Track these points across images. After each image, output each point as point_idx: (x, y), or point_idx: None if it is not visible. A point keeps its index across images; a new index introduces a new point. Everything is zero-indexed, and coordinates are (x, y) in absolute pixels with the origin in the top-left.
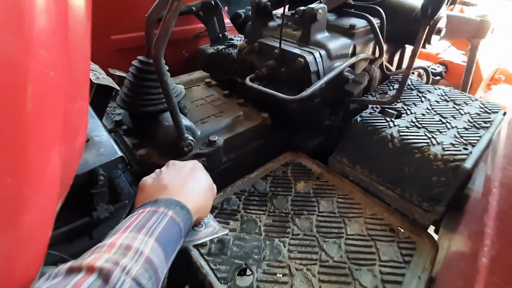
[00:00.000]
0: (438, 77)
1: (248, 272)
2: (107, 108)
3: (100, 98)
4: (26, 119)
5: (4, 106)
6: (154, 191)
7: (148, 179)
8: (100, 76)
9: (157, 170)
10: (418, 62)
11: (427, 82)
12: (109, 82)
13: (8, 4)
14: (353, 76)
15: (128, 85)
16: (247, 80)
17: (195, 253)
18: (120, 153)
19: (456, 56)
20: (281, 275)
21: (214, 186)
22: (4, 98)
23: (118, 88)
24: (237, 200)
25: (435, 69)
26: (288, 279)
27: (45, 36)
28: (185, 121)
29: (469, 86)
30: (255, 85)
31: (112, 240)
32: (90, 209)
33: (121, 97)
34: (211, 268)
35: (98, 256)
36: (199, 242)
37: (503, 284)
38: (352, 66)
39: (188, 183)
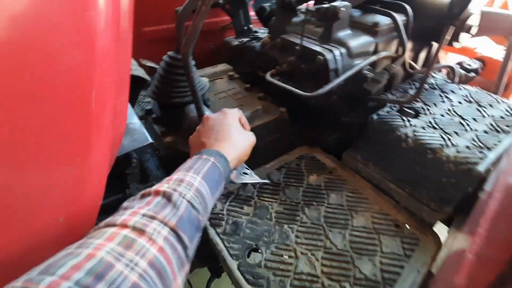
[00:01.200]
0: (473, 74)
1: (258, 253)
2: (138, 97)
3: (133, 87)
4: (91, 114)
5: (77, 106)
6: (197, 147)
7: (192, 138)
8: (133, 67)
9: (198, 128)
10: (452, 58)
11: (454, 81)
12: (141, 73)
13: (78, 25)
14: (372, 75)
15: (158, 78)
16: (267, 76)
17: (211, 231)
18: (150, 140)
19: (496, 51)
20: (287, 257)
21: (250, 134)
22: (77, 100)
23: (149, 79)
24: (252, 188)
25: (470, 65)
26: (293, 261)
27: (106, 50)
28: (208, 113)
29: (503, 86)
30: (275, 81)
31: (170, 177)
32: (124, 187)
33: (152, 89)
34: (225, 246)
35: (161, 185)
36: (244, 182)
37: (482, 279)
38: (373, 64)
39: (223, 135)
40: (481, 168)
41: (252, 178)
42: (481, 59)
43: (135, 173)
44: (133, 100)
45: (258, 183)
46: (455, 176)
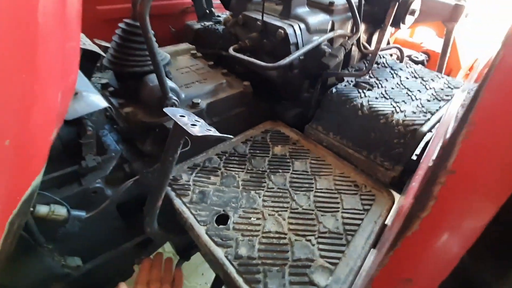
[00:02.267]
0: (420, 65)
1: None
2: (93, 77)
3: (86, 63)
4: (37, 26)
5: (20, 19)
6: None
7: None
8: (86, 43)
9: None
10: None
11: (402, 61)
12: (95, 48)
13: None
14: (330, 50)
15: (114, 46)
16: (231, 50)
17: (177, 201)
18: (106, 104)
19: (439, 45)
20: (255, 219)
21: None
22: (19, 10)
23: (103, 54)
24: (219, 160)
25: (418, 58)
26: (261, 222)
27: None
28: (170, 83)
29: (443, 68)
30: (238, 54)
31: None
32: (80, 158)
33: (108, 58)
34: (192, 213)
35: None
36: (208, 135)
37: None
38: (330, 42)
39: None
40: (425, 128)
41: (215, 132)
42: (426, 53)
43: (91, 144)
44: (88, 76)
45: (222, 136)
46: (404, 137)
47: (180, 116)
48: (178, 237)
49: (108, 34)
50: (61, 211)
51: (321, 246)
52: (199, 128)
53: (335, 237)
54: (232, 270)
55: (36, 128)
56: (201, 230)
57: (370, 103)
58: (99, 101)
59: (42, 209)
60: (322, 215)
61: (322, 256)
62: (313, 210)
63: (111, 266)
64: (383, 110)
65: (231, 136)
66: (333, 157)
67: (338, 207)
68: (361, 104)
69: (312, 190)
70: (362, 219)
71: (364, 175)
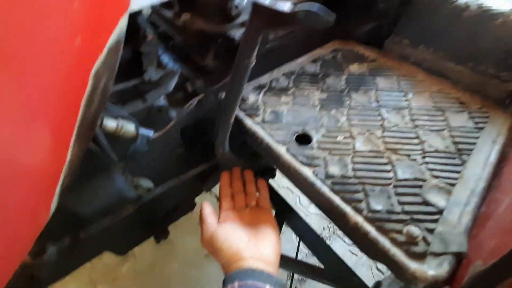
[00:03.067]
0: None
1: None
2: None
3: None
4: None
5: None
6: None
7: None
8: None
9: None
10: None
11: None
12: None
13: None
14: None
15: None
16: None
17: (248, 121)
18: None
19: None
20: (342, 138)
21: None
22: None
23: None
24: (286, 80)
25: None
26: (349, 141)
27: None
28: None
29: None
30: None
31: None
32: (141, 72)
33: None
34: (267, 133)
35: None
36: None
37: None
38: None
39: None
40: None
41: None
42: None
43: (152, 53)
44: None
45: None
46: None
47: None
48: (250, 162)
49: None
50: (129, 127)
51: (430, 166)
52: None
53: (446, 156)
54: (325, 190)
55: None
56: (280, 149)
57: (479, 1)
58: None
59: (110, 123)
60: (424, 134)
61: (434, 176)
62: (412, 128)
63: (175, 195)
64: (498, 9)
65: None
66: (424, 74)
67: (444, 126)
68: (466, 3)
69: (407, 108)
70: (477, 138)
71: (468, 92)
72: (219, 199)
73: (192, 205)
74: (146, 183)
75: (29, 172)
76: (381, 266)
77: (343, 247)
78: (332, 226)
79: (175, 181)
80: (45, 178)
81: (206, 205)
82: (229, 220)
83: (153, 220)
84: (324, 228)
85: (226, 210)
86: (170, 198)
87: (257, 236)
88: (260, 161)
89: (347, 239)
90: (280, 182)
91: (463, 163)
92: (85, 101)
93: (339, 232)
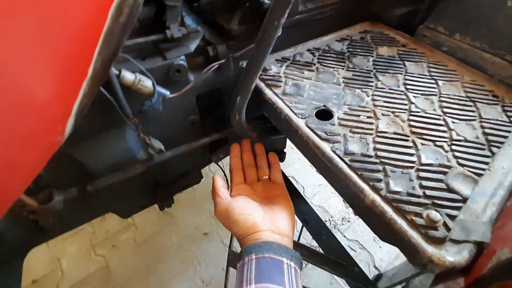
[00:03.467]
0: None
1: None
2: None
3: None
4: None
5: None
6: None
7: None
8: None
9: None
10: None
11: None
12: None
13: None
14: None
15: None
16: None
17: (268, 92)
18: None
19: None
20: (365, 117)
21: None
22: None
23: None
24: (311, 55)
25: None
26: (373, 121)
27: None
28: None
29: None
30: None
31: None
32: (164, 28)
33: None
34: (286, 105)
35: None
36: None
37: None
38: None
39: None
40: None
41: None
42: None
43: (177, 9)
44: None
45: None
46: None
47: None
48: (263, 138)
49: None
50: (147, 82)
51: (457, 154)
52: None
53: (475, 146)
54: (343, 166)
55: None
56: (300, 122)
57: None
58: None
59: (128, 76)
60: (453, 122)
61: (461, 164)
62: (440, 116)
63: (184, 161)
64: None
65: None
66: (457, 63)
67: (475, 116)
68: None
69: (436, 95)
70: (509, 132)
71: (503, 85)
72: (230, 171)
73: (198, 178)
74: (157, 143)
75: (52, 76)
76: (378, 263)
77: (342, 242)
78: (334, 220)
79: (185, 147)
80: (66, 88)
81: (218, 178)
82: (243, 193)
83: (160, 186)
84: (325, 221)
85: (238, 184)
86: (179, 164)
87: (272, 209)
88: (272, 137)
89: (347, 234)
90: (285, 172)
91: (493, 155)
92: (114, 8)
93: (340, 227)
